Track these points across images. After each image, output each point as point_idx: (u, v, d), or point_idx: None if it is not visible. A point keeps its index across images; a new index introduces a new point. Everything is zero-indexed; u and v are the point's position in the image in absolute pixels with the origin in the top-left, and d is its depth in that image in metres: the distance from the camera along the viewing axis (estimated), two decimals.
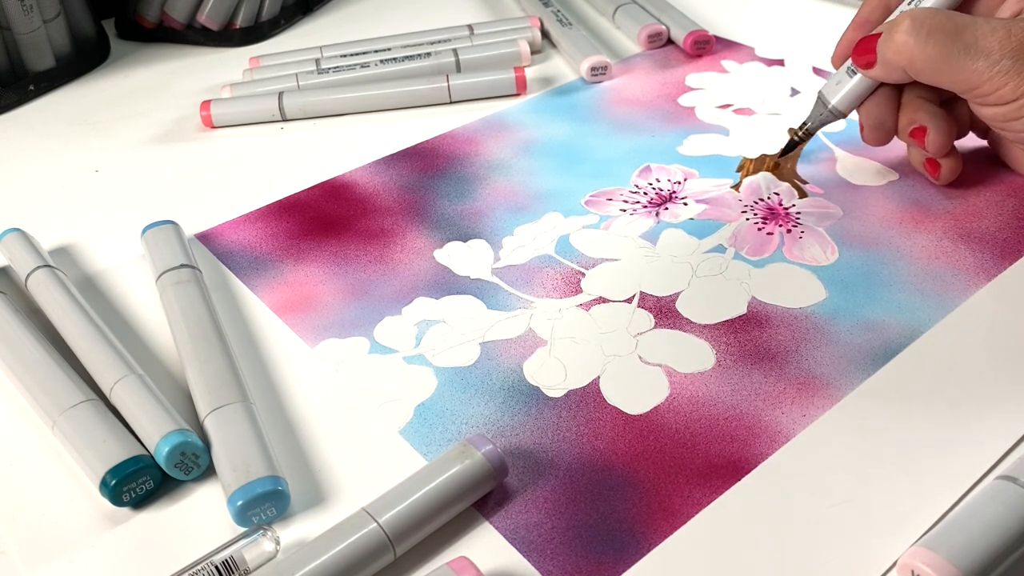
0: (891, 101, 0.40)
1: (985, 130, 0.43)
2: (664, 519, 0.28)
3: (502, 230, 0.41)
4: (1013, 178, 0.42)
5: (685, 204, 0.42)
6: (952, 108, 0.41)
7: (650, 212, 0.42)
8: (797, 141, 0.43)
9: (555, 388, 0.33)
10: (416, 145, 0.49)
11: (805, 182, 0.43)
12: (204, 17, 0.62)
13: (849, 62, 0.40)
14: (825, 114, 0.42)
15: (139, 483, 0.29)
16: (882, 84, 0.40)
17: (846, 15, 0.50)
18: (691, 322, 0.35)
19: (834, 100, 0.41)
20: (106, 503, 0.29)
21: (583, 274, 0.38)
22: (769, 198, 0.42)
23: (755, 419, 0.31)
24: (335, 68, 0.54)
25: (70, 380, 0.32)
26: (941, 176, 0.41)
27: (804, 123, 0.43)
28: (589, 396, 0.32)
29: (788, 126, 0.45)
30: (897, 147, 0.45)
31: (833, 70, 0.42)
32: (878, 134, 0.41)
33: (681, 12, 0.59)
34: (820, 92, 0.42)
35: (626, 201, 0.43)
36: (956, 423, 0.30)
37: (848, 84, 0.40)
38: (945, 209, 0.41)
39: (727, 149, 0.46)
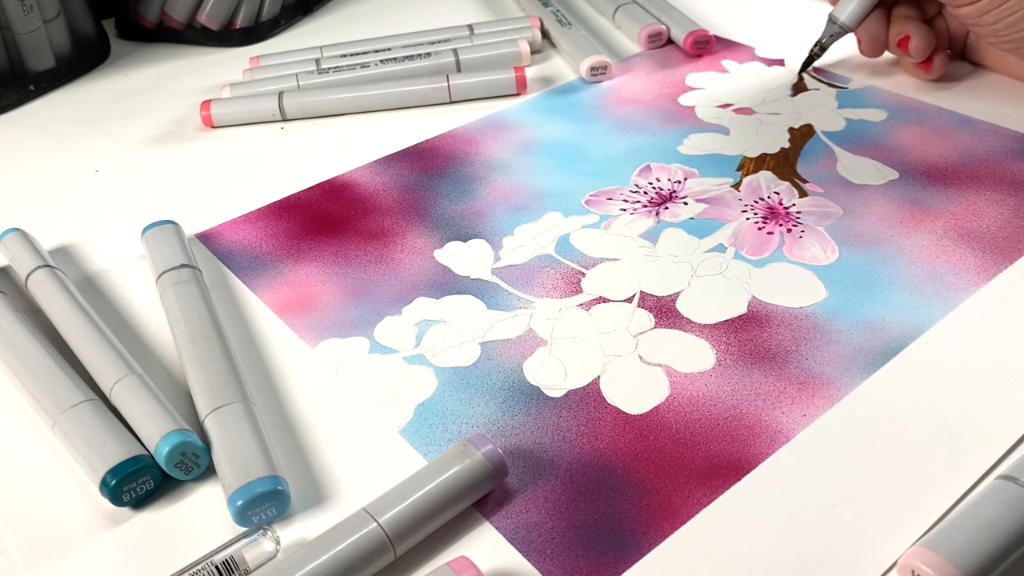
0: (883, 19, 0.50)
1: (962, 48, 0.51)
2: (664, 519, 0.28)
3: (502, 230, 0.41)
4: (1013, 178, 0.42)
5: (685, 203, 0.42)
6: (932, 24, 0.50)
7: (650, 211, 0.42)
8: (815, 55, 0.51)
9: (555, 388, 0.33)
10: (416, 145, 0.49)
11: (805, 181, 0.43)
12: (204, 17, 0.62)
13: None
14: (835, 29, 0.50)
15: (139, 483, 0.29)
16: (878, 4, 0.49)
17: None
18: (691, 322, 0.35)
19: (843, 17, 0.49)
20: (106, 503, 0.29)
21: (583, 274, 0.38)
22: (769, 197, 0.42)
23: (755, 419, 0.31)
24: (335, 68, 0.54)
25: (70, 380, 0.32)
26: (933, 70, 0.50)
27: (818, 40, 0.51)
28: (589, 396, 0.32)
29: (809, 46, 0.52)
30: (897, 146, 0.45)
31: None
32: (873, 46, 0.50)
33: (681, 12, 0.59)
34: (830, 13, 0.50)
35: (626, 201, 0.43)
36: (956, 423, 0.30)
37: (852, 3, 0.49)
38: (945, 208, 0.41)
39: (727, 148, 0.46)
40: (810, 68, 0.53)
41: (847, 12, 0.49)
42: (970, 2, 0.44)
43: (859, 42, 0.51)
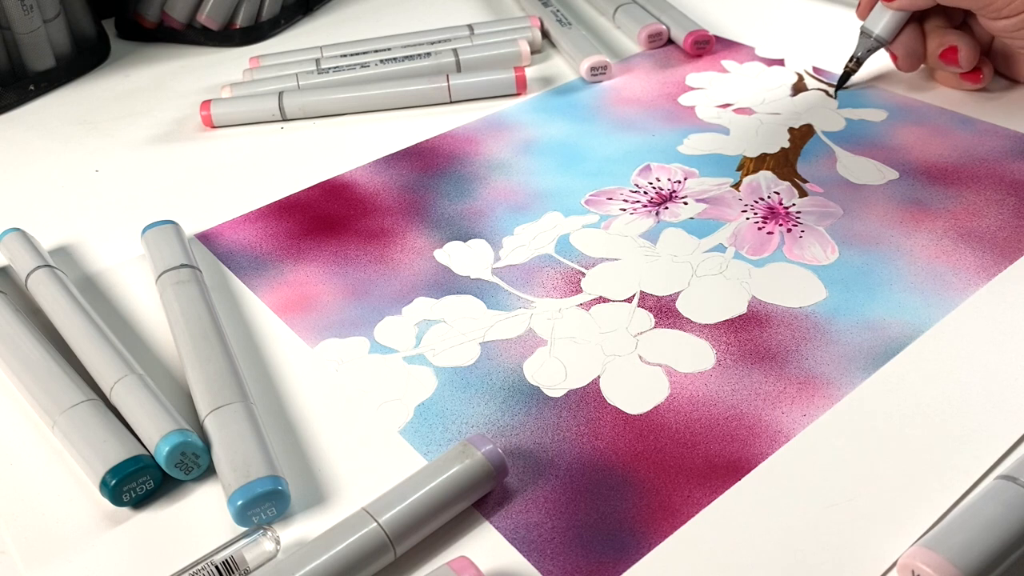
0: (918, 33, 0.48)
1: (985, 55, 0.49)
2: (664, 519, 0.28)
3: (502, 230, 0.41)
4: (1013, 178, 0.42)
5: (685, 203, 0.42)
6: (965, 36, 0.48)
7: (650, 211, 0.42)
8: (850, 71, 0.50)
9: (555, 388, 0.33)
10: (416, 145, 0.49)
11: (805, 181, 0.43)
12: (204, 17, 0.62)
13: (880, 5, 0.48)
14: (871, 42, 0.49)
15: (139, 483, 0.29)
16: (912, 15, 0.47)
17: (846, 15, 0.50)
18: (691, 322, 0.35)
19: (877, 30, 0.48)
20: (106, 503, 0.29)
21: (583, 274, 0.38)
22: (769, 197, 0.42)
23: (755, 419, 0.31)
24: (335, 68, 0.54)
25: (70, 380, 0.32)
26: (984, 78, 0.48)
27: (853, 55, 0.50)
28: (589, 396, 0.32)
29: (844, 61, 0.51)
30: (897, 146, 0.45)
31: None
32: (911, 60, 0.48)
33: (681, 12, 0.59)
34: (862, 27, 0.49)
35: (626, 200, 0.43)
36: (956, 423, 0.30)
37: (886, 15, 0.48)
38: (945, 208, 0.41)
39: (727, 148, 0.46)
40: (845, 84, 0.51)
41: (881, 25, 0.48)
42: (1009, 15, 0.43)
43: (895, 58, 0.49)
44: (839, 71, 0.51)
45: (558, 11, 0.60)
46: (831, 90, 0.51)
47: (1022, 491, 0.26)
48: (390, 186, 0.45)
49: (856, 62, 0.50)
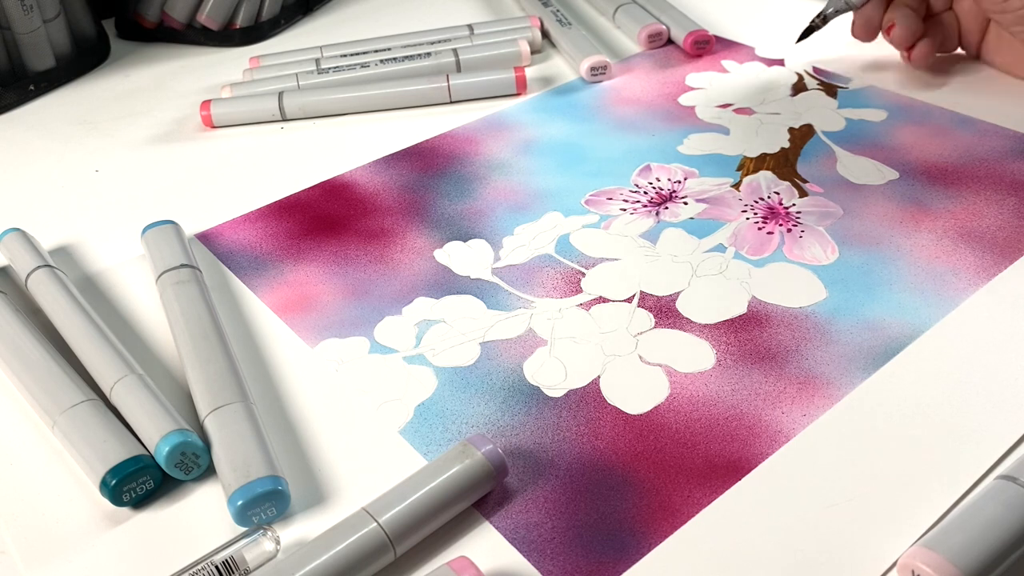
0: (883, 5, 0.49)
1: (977, 48, 0.51)
2: (664, 519, 0.28)
3: (502, 230, 0.41)
4: (1013, 178, 0.42)
5: (685, 203, 0.42)
6: (941, 20, 0.50)
7: (650, 211, 0.42)
8: (816, 26, 0.51)
9: (555, 388, 0.33)
10: (416, 145, 0.49)
11: (805, 181, 0.43)
12: (204, 17, 0.62)
13: None
14: (839, 3, 0.50)
15: (139, 483, 0.29)
16: None
17: (846, 16, 0.51)
18: (691, 322, 0.35)
19: None
20: (106, 503, 0.29)
21: (583, 274, 0.38)
22: (769, 197, 0.42)
23: (755, 419, 0.31)
24: (335, 68, 0.54)
25: (70, 380, 0.32)
26: (913, 58, 0.50)
27: (822, 12, 0.50)
28: (589, 396, 0.32)
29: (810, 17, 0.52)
30: (897, 146, 0.45)
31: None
32: (866, 29, 0.50)
33: (681, 12, 0.59)
34: None
35: (626, 200, 0.43)
36: (956, 423, 0.30)
37: None
38: (945, 208, 0.41)
39: (727, 148, 0.46)
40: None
41: None
42: None
43: (853, 24, 0.50)
44: (839, 71, 0.51)
45: (558, 11, 0.60)
46: (828, 89, 0.51)
47: (1022, 491, 0.26)
48: (390, 186, 0.45)
49: (823, 19, 0.50)
